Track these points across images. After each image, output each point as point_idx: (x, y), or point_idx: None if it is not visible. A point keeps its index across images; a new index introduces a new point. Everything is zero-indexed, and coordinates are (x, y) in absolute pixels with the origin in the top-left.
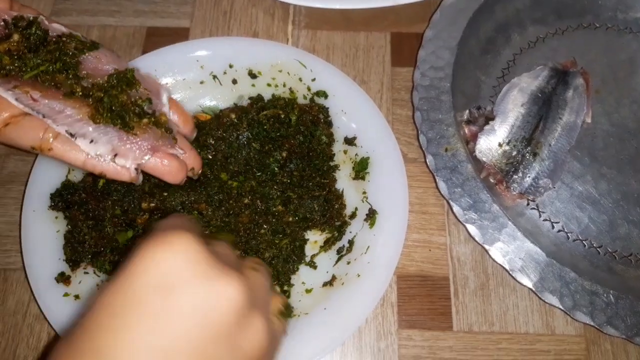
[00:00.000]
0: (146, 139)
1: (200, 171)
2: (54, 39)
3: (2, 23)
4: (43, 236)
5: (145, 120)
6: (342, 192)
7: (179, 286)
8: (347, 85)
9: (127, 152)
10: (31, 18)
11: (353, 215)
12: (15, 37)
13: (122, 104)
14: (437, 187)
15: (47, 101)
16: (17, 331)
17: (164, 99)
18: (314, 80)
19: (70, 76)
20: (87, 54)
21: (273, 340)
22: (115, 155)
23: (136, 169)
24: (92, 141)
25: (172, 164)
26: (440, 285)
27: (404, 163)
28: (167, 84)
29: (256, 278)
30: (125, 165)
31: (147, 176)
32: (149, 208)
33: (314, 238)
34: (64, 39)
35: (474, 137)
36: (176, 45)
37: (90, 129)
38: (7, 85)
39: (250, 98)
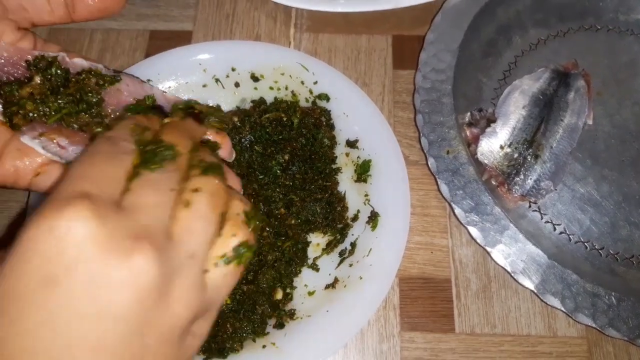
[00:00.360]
0: None
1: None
2: (74, 78)
3: (25, 64)
4: None
5: None
6: (344, 194)
7: (67, 277)
8: (349, 88)
9: None
10: (51, 58)
11: (355, 218)
12: (37, 79)
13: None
14: (438, 190)
15: (73, 147)
16: None
17: None
18: (316, 83)
19: (95, 116)
20: (108, 88)
21: (211, 298)
22: None
23: None
24: None
25: None
26: (442, 287)
27: (405, 165)
28: (169, 87)
29: (198, 207)
30: None
31: None
32: None
33: (316, 240)
34: (84, 75)
35: (476, 140)
36: (179, 48)
37: None
38: (32, 132)
39: (252, 101)
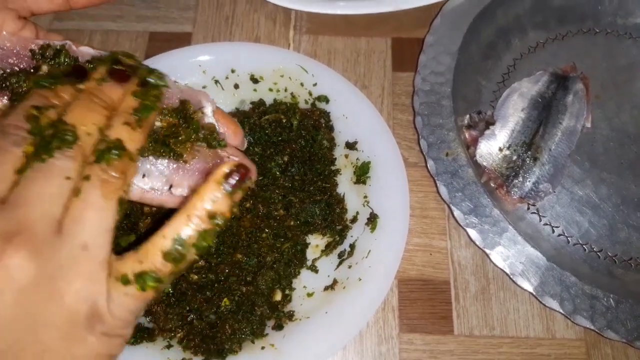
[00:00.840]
0: (196, 163)
1: (255, 179)
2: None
3: (29, 54)
4: None
5: (188, 144)
6: (344, 196)
7: None
8: (348, 90)
9: (182, 180)
10: (58, 46)
11: (354, 220)
12: (44, 68)
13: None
14: (437, 192)
15: None
16: None
17: (209, 111)
18: (315, 85)
19: None
20: None
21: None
22: (171, 186)
23: None
24: (144, 176)
25: None
26: (441, 289)
27: (404, 167)
28: None
29: (87, 196)
30: (182, 194)
31: None
32: (151, 212)
33: (316, 242)
34: (95, 64)
35: (475, 142)
36: (179, 50)
37: (139, 163)
38: None
39: (252, 103)
